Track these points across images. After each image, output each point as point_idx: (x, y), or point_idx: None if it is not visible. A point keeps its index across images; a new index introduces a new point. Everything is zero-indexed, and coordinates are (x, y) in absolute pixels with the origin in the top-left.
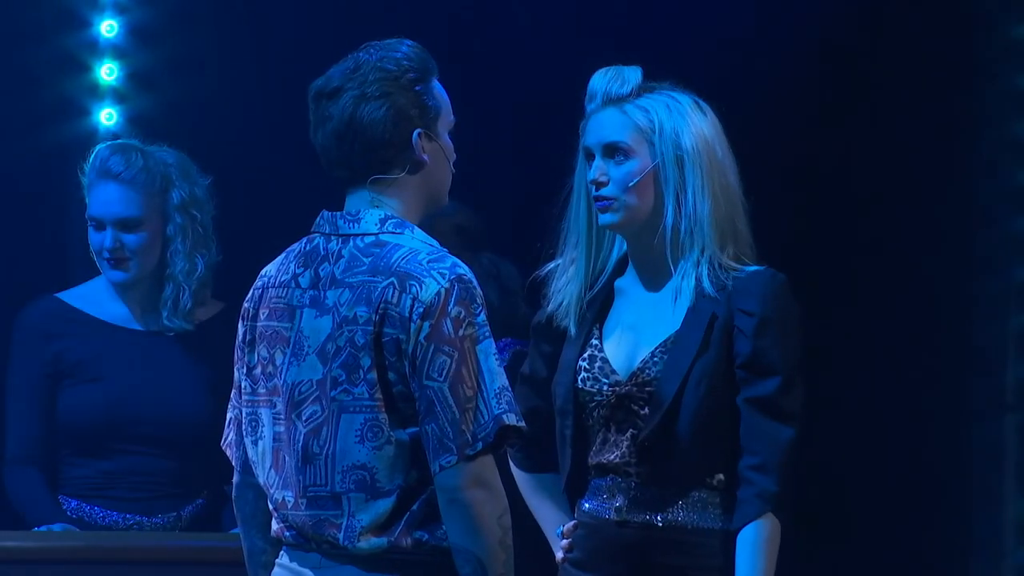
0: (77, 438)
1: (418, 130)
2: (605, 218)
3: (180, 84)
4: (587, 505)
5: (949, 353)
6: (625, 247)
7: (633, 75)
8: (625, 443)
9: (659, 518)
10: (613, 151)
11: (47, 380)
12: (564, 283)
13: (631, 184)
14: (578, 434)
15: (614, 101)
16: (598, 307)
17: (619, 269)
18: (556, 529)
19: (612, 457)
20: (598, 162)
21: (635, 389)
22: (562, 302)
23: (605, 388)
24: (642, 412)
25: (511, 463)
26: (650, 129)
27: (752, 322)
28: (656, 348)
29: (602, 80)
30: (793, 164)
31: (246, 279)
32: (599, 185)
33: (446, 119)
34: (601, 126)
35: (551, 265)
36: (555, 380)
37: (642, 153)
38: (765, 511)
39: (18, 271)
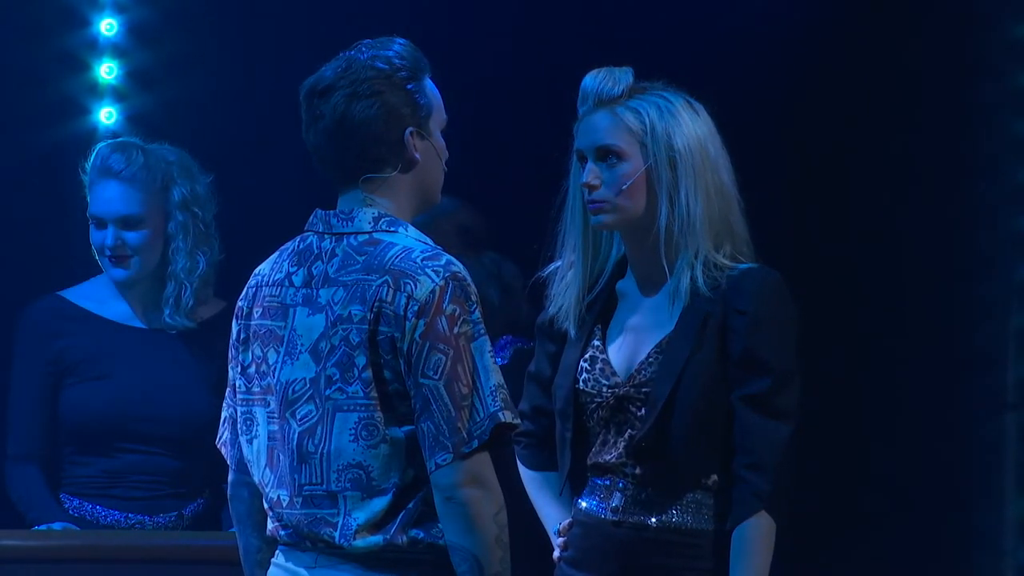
0: (79, 437)
1: (410, 128)
2: (597, 219)
3: (179, 82)
4: (584, 504)
5: (949, 353)
6: (623, 249)
7: (624, 76)
8: (622, 444)
9: (653, 519)
10: (605, 154)
11: (49, 378)
12: (563, 287)
13: (624, 187)
14: (577, 437)
15: (605, 103)
16: (599, 309)
17: (620, 271)
18: (555, 527)
19: (610, 458)
20: (591, 165)
21: (632, 390)
22: (562, 306)
23: (604, 389)
24: (639, 413)
25: (517, 460)
26: (642, 131)
27: (745, 320)
28: (652, 349)
29: (593, 82)
30: (792, 163)
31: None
32: (592, 188)
33: (438, 117)
34: (593, 129)
35: (552, 266)
36: (555, 383)
37: (634, 155)
38: (759, 510)
39: (20, 269)
